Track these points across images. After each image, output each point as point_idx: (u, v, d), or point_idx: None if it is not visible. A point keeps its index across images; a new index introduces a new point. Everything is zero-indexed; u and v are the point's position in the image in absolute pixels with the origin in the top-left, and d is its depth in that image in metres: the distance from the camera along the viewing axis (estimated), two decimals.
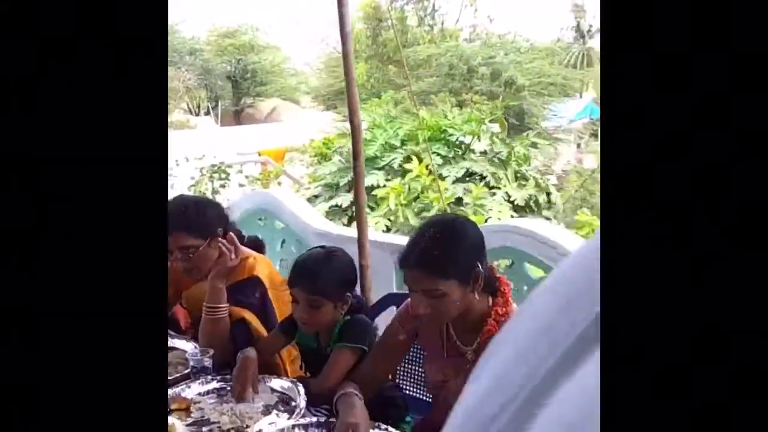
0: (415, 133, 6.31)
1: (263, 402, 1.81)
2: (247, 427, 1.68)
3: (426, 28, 21.52)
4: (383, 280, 3.25)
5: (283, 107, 21.71)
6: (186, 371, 1.98)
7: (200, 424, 1.70)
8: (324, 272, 1.90)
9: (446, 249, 1.54)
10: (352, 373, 1.83)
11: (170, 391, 1.83)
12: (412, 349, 2.03)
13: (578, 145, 19.78)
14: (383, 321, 2.09)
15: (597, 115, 23.68)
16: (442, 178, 5.73)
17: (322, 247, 2.03)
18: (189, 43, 25.49)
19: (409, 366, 2.26)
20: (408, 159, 5.91)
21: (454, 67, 17.19)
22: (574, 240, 2.90)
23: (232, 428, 1.68)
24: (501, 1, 25.57)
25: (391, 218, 5.59)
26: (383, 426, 1.66)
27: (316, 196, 6.31)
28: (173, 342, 2.20)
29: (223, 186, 5.81)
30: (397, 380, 2.20)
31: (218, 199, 5.21)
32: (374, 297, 2.71)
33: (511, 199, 5.81)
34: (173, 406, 1.76)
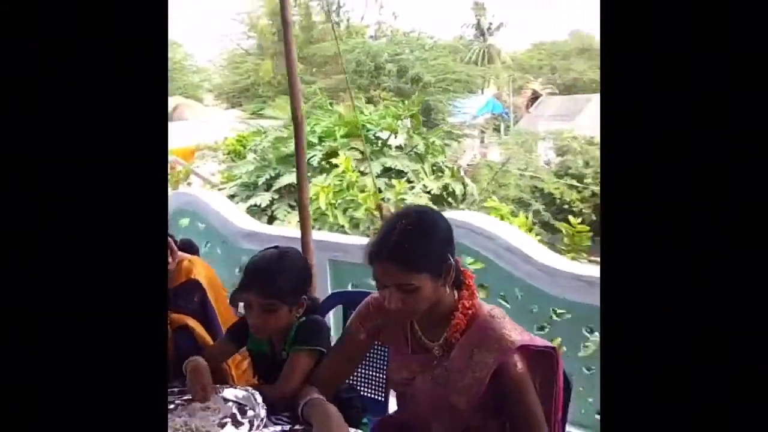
0: (332, 129, 6.25)
1: (219, 414, 1.70)
2: None
3: (332, 25, 21.45)
4: (318, 278, 3.18)
5: (186, 105, 21.05)
6: None
7: None
8: (278, 275, 1.81)
9: (418, 242, 1.49)
10: (311, 375, 1.76)
11: None
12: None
13: (482, 140, 20.32)
14: (330, 321, 2.02)
15: (499, 110, 24.46)
16: (364, 174, 5.69)
17: (275, 247, 1.93)
18: None
19: (362, 367, 2.20)
20: (328, 156, 5.84)
21: (362, 64, 17.23)
22: (510, 231, 2.93)
23: None
24: None
25: (316, 217, 5.50)
26: None
27: (233, 196, 6.13)
28: None
29: None
30: (351, 381, 2.14)
31: None
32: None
33: (428, 190, 5.85)
34: None
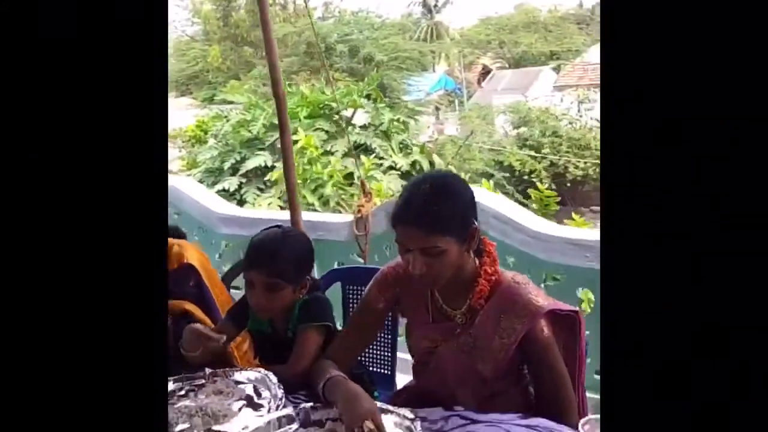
0: (296, 110, 6.14)
1: (233, 396, 1.65)
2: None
3: (278, 8, 21.11)
4: None
5: None
6: None
7: None
8: (283, 253, 1.77)
9: (444, 204, 1.45)
10: (328, 351, 1.72)
11: None
12: None
13: (437, 117, 20.40)
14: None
15: (451, 86, 24.54)
16: (331, 153, 5.62)
17: (277, 226, 1.88)
18: None
19: None
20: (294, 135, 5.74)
21: (312, 45, 16.99)
22: (499, 200, 2.92)
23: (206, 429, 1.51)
24: None
25: (280, 195, 5.43)
26: None
27: (199, 182, 5.99)
28: None
29: None
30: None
31: None
32: None
33: (398, 167, 5.83)
34: None
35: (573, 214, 4.59)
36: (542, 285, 2.75)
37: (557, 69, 24.66)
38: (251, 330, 1.95)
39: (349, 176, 5.63)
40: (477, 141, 10.23)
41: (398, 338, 2.18)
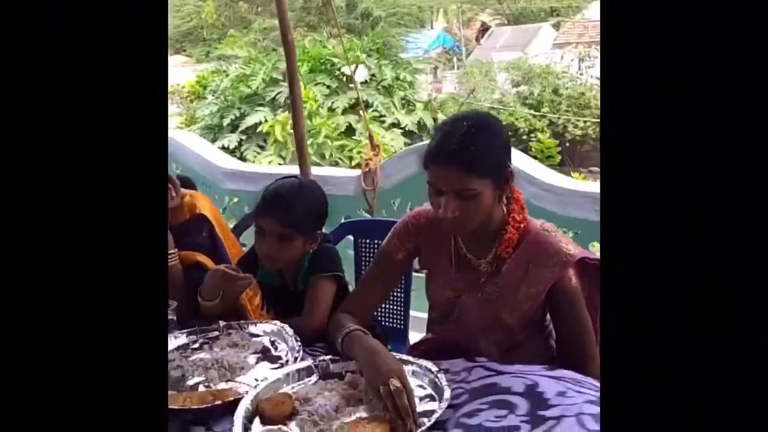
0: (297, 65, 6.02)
1: (249, 349, 1.62)
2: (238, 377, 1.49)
3: None
4: None
5: None
6: None
7: (183, 384, 1.48)
8: (298, 204, 1.73)
9: (484, 144, 1.38)
10: (345, 303, 1.68)
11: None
12: None
13: (435, 75, 20.13)
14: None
15: (450, 43, 24.17)
16: (332, 109, 5.53)
17: (295, 177, 1.83)
18: None
19: None
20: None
21: (309, 0, 16.69)
22: (534, 165, 2.85)
23: (224, 382, 1.48)
24: None
25: (283, 154, 5.36)
26: None
27: None
28: None
29: None
30: None
31: None
32: None
33: (402, 125, 5.73)
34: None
35: (572, 174, 4.55)
36: None
37: (557, 26, 24.27)
38: (260, 282, 1.91)
39: (349, 130, 5.55)
40: (478, 99, 10.09)
41: (411, 294, 2.15)
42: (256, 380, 1.44)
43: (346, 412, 1.30)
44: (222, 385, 1.45)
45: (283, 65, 6.16)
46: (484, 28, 28.05)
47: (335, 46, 6.57)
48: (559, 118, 13.14)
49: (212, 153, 3.59)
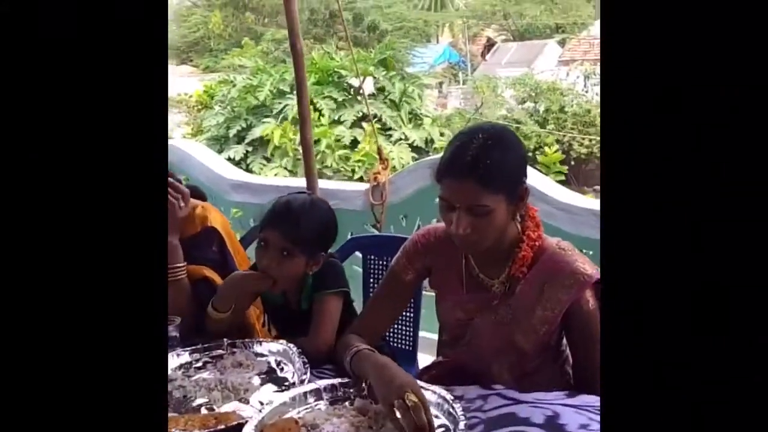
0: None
1: (254, 370, 1.56)
2: (244, 401, 1.43)
3: None
4: None
5: None
6: None
7: (186, 406, 1.42)
8: (307, 221, 1.66)
9: (498, 158, 1.31)
10: (353, 324, 1.62)
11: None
12: None
13: (439, 90, 20.14)
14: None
15: (455, 58, 24.22)
16: (339, 122, 5.49)
17: (308, 193, 1.78)
18: None
19: None
20: None
21: (316, 12, 16.75)
22: (547, 182, 2.80)
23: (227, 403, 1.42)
24: None
25: (289, 166, 5.32)
26: None
27: None
28: None
29: None
30: None
31: None
32: None
33: (410, 141, 5.69)
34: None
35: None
36: None
37: (562, 43, 24.29)
38: (263, 299, 1.86)
39: (354, 143, 5.50)
40: (485, 114, 10.06)
41: (421, 314, 2.09)
42: (261, 403, 1.38)
43: None
44: (225, 408, 1.39)
45: (290, 76, 6.14)
46: (490, 44, 28.10)
47: (343, 58, 6.55)
48: (564, 135, 13.10)
49: (218, 164, 3.54)
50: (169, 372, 1.54)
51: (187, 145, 3.76)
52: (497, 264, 1.47)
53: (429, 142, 6.09)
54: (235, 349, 1.64)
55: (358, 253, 2.27)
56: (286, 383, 1.49)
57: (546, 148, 5.23)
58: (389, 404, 1.20)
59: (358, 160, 5.33)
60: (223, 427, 1.28)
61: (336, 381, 1.44)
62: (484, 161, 1.30)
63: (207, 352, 1.64)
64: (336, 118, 5.77)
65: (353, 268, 2.64)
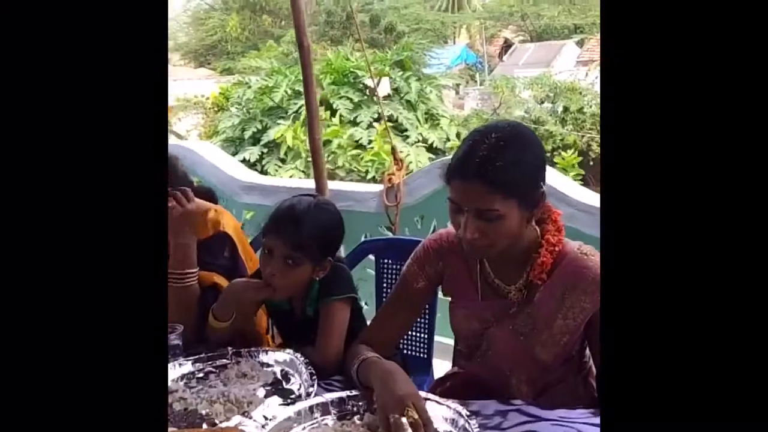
0: (319, 77, 5.93)
1: (258, 381, 1.48)
2: (247, 414, 1.35)
3: None
4: None
5: None
6: None
7: (187, 419, 1.35)
8: (311, 226, 1.57)
9: (512, 159, 1.22)
10: (363, 334, 1.53)
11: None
12: None
13: (456, 91, 20.02)
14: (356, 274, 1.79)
15: (473, 60, 24.10)
16: (357, 123, 5.42)
17: (312, 195, 1.68)
18: None
19: None
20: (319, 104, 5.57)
21: (333, 14, 16.71)
22: (567, 182, 2.70)
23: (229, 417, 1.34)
24: None
25: (302, 168, 5.26)
26: None
27: None
28: None
29: None
30: None
31: None
32: None
33: (428, 142, 5.61)
34: None
35: None
36: None
37: (580, 43, 24.05)
38: (267, 305, 1.77)
39: (370, 144, 5.43)
40: (503, 115, 9.94)
41: (436, 318, 2.00)
42: (265, 418, 1.30)
43: None
44: (227, 423, 1.32)
45: None
46: (507, 45, 27.93)
47: (359, 59, 6.47)
48: (582, 136, 12.93)
49: (230, 165, 3.47)
50: (170, 383, 1.47)
51: (199, 147, 3.70)
52: (514, 269, 1.38)
53: (446, 142, 6.00)
54: (239, 359, 1.56)
55: (371, 257, 2.19)
56: (292, 396, 1.41)
57: (563, 152, 5.11)
58: (386, 415, 1.15)
59: (369, 160, 5.25)
60: None
61: (344, 394, 1.36)
62: (495, 163, 1.21)
63: (210, 362, 1.56)
64: (352, 118, 5.69)
65: (367, 271, 2.55)
